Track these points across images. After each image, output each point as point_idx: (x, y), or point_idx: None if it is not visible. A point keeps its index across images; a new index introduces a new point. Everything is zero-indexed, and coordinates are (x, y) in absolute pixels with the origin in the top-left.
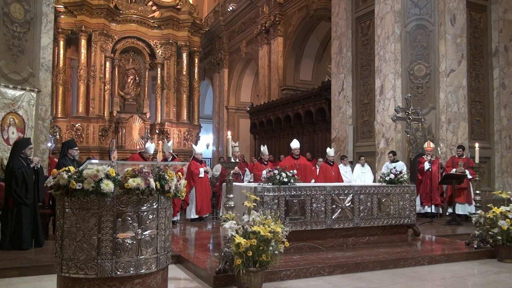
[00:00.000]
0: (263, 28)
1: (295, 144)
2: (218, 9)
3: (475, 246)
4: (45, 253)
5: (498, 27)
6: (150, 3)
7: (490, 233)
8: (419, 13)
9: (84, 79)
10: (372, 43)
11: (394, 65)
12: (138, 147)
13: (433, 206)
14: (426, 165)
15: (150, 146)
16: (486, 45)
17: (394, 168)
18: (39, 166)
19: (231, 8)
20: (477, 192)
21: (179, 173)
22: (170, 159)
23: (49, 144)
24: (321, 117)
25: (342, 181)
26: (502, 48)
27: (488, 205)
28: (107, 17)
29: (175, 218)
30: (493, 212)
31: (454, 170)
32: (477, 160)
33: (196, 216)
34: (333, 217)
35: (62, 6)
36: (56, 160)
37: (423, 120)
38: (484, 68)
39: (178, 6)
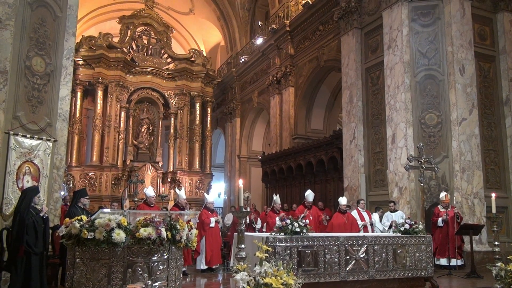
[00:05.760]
0: (275, 78)
1: (310, 197)
2: (230, 61)
3: None
4: None
5: (508, 76)
6: (165, 55)
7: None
8: (427, 64)
9: (99, 129)
10: (383, 92)
11: (405, 114)
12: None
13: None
14: (440, 222)
15: (148, 190)
16: (497, 94)
17: (408, 219)
18: (47, 215)
19: (243, 60)
20: (496, 243)
21: (191, 222)
22: (185, 208)
23: (62, 193)
24: (333, 166)
25: (356, 229)
26: None
27: (508, 257)
28: (124, 69)
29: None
30: None
31: None
32: (494, 210)
33: (206, 267)
34: (347, 268)
35: (81, 59)
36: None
37: (436, 169)
38: (496, 117)
39: (192, 58)
